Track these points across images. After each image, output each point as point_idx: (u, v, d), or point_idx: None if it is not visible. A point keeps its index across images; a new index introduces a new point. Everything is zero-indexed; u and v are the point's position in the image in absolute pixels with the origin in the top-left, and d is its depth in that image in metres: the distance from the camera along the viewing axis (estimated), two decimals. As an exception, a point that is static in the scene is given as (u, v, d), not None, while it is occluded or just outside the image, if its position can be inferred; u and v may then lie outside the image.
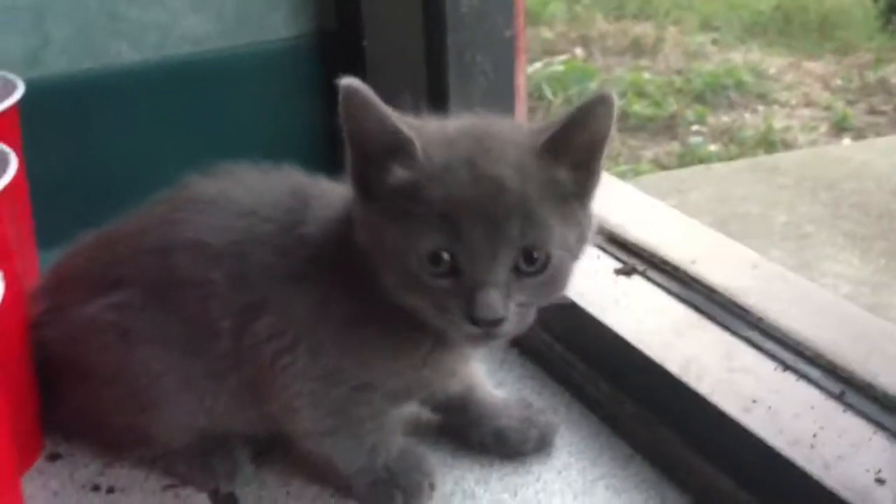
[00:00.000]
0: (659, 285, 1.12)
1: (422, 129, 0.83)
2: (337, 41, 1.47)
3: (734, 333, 1.02)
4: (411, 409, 1.06)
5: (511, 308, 0.79)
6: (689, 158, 2.77)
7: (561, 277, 0.83)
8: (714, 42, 3.94)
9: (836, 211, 1.79)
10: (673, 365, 0.98)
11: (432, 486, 0.98)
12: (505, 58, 1.40)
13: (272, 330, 0.90)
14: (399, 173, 0.80)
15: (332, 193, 0.94)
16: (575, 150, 0.81)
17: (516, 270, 0.79)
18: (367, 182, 0.83)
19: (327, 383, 0.92)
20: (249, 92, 1.46)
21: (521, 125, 0.87)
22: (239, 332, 0.92)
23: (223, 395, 0.96)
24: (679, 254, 1.15)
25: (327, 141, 1.45)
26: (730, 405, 0.92)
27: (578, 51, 3.78)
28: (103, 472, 1.03)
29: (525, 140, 0.83)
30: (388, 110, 0.80)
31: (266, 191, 0.96)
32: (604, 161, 0.83)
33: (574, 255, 0.84)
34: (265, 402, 0.94)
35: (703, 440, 0.95)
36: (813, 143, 2.95)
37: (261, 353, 0.91)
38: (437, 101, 1.39)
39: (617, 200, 1.28)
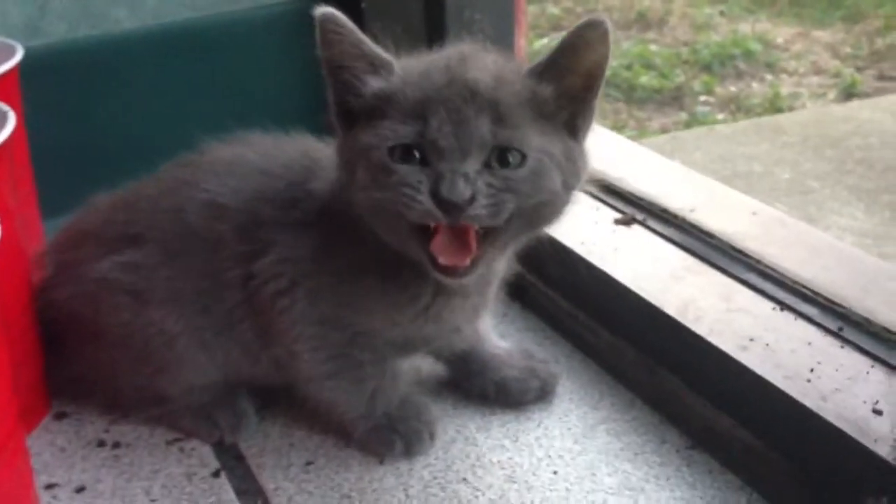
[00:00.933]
0: (658, 233, 1.12)
1: (405, 58, 0.84)
2: (337, 3, 1.46)
3: (732, 276, 1.02)
4: (413, 361, 1.07)
5: (480, 189, 0.77)
6: (695, 127, 2.75)
7: (540, 179, 0.80)
8: (721, 14, 3.91)
9: (840, 167, 1.78)
10: (671, 308, 0.98)
11: (432, 436, 0.98)
12: (505, 18, 1.39)
13: (271, 271, 0.91)
14: (374, 83, 0.81)
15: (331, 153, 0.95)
16: (564, 74, 0.81)
17: (489, 167, 0.78)
18: (346, 112, 0.83)
19: (326, 328, 0.92)
20: (250, 57, 1.45)
21: (515, 57, 0.87)
22: (245, 280, 0.92)
23: (235, 349, 0.97)
24: (678, 203, 1.15)
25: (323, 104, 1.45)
26: (727, 344, 0.92)
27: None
28: (108, 428, 1.04)
29: (513, 63, 0.83)
30: (363, 36, 0.81)
31: (279, 154, 0.98)
32: (599, 94, 0.83)
33: (561, 168, 0.81)
34: (271, 346, 0.95)
35: (702, 381, 0.95)
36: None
37: (261, 294, 0.92)
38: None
39: (617, 154, 1.28)
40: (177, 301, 0.95)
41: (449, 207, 0.76)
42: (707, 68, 3.35)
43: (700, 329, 0.94)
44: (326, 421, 0.99)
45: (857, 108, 2.32)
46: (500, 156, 0.79)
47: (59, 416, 1.06)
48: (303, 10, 1.48)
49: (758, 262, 1.02)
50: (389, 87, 0.81)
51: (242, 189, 0.94)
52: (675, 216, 1.12)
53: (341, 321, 0.92)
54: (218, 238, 0.93)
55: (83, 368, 1.03)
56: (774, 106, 2.97)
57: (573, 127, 0.83)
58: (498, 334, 1.12)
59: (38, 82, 1.22)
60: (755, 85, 3.24)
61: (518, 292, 1.18)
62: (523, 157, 0.79)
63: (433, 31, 1.37)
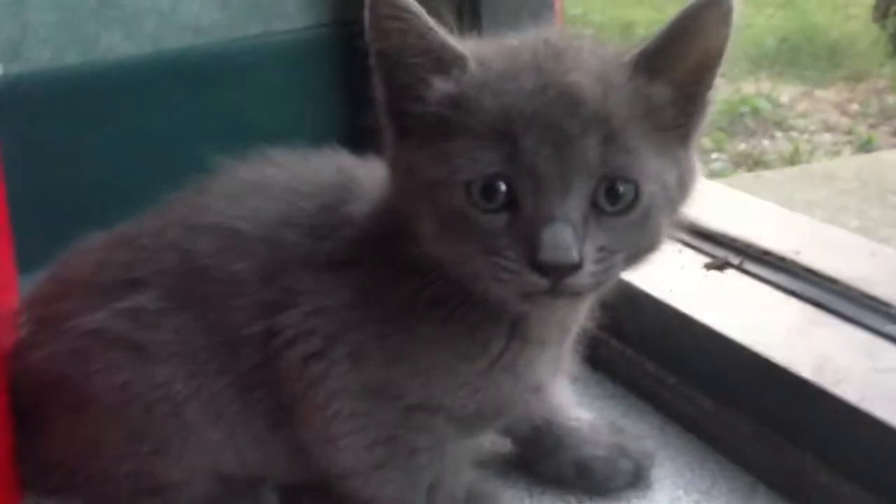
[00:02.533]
0: (761, 279, 0.94)
1: (475, 44, 0.66)
2: (358, 33, 1.30)
3: (870, 329, 0.84)
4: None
5: (588, 252, 0.60)
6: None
7: (653, 224, 0.64)
8: (722, 74, 3.86)
9: (910, 214, 1.64)
10: (804, 368, 0.79)
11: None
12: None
13: (299, 327, 0.72)
14: (442, 86, 0.63)
15: (372, 171, 0.77)
16: (677, 65, 0.64)
17: (595, 208, 0.61)
18: (401, 115, 0.66)
19: (373, 401, 0.73)
20: (259, 89, 1.29)
21: (608, 44, 0.70)
22: (266, 337, 0.73)
23: (254, 426, 0.77)
24: (779, 244, 0.98)
25: (349, 142, 1.29)
26: (887, 412, 0.73)
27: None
28: (93, 528, 0.82)
29: (612, 53, 0.66)
30: (431, 21, 0.63)
31: (309, 170, 0.80)
32: (716, 85, 0.66)
33: (672, 201, 0.65)
34: (298, 429, 0.75)
35: (850, 460, 0.76)
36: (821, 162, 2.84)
37: (286, 358, 0.72)
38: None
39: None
40: (186, 358, 0.76)
41: (550, 270, 0.59)
42: (715, 126, 3.27)
43: (847, 394, 0.76)
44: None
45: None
46: (610, 189, 0.61)
47: (32, 514, 0.84)
48: (316, 37, 1.36)
49: (900, 310, 0.84)
50: (462, 93, 0.63)
51: (264, 211, 0.76)
52: (781, 259, 0.94)
53: (392, 389, 0.72)
54: (232, 279, 0.74)
55: (63, 451, 0.82)
56: (794, 162, 2.86)
57: (686, 134, 0.66)
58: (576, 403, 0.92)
59: (17, 114, 1.09)
60: (766, 142, 3.16)
61: (588, 352, 0.98)
62: (637, 190, 0.62)
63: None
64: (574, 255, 0.59)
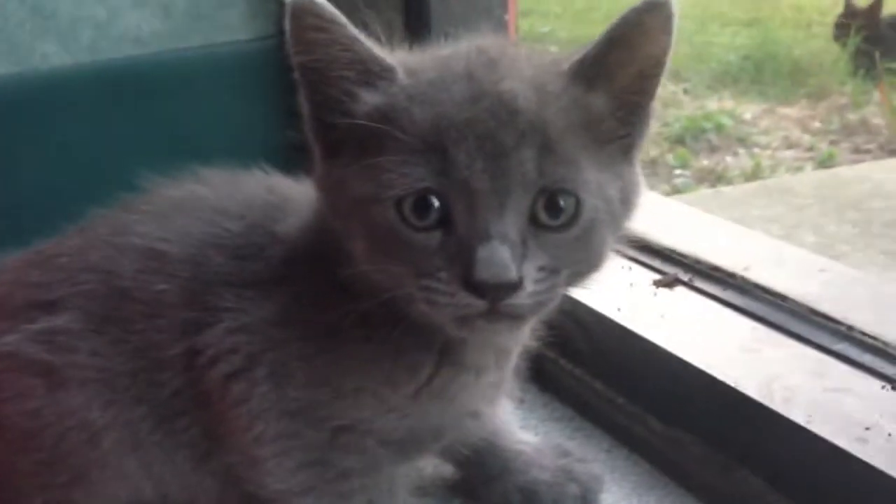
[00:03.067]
0: (711, 296, 0.91)
1: (405, 55, 0.63)
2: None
3: (820, 348, 0.81)
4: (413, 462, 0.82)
5: (528, 271, 0.57)
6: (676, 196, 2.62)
7: (596, 241, 0.61)
8: (686, 91, 3.88)
9: (867, 229, 1.63)
10: (750, 388, 0.77)
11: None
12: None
13: (221, 346, 0.68)
14: (369, 98, 0.60)
15: (304, 192, 0.74)
16: (618, 74, 0.61)
17: (534, 224, 0.58)
18: (328, 131, 0.62)
19: (299, 423, 0.69)
20: (201, 102, 1.25)
21: (545, 51, 0.66)
22: (189, 358, 0.69)
23: (176, 455, 0.73)
24: (728, 260, 0.95)
25: (291, 156, 1.25)
26: (836, 435, 0.70)
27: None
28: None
29: (549, 61, 0.63)
30: (356, 32, 0.60)
31: (239, 190, 0.77)
32: (656, 95, 0.63)
33: (615, 216, 0.62)
34: (224, 452, 0.71)
35: (801, 483, 0.73)
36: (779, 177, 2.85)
37: (209, 378, 0.68)
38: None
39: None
40: (104, 384, 0.71)
41: (487, 291, 0.55)
42: (679, 142, 3.27)
43: (795, 415, 0.73)
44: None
45: (868, 170, 2.19)
46: (549, 203, 0.58)
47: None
48: (260, 50, 1.32)
49: (849, 329, 0.81)
50: (390, 104, 0.60)
51: (189, 232, 0.72)
52: (730, 275, 0.92)
53: (318, 411, 0.69)
54: (156, 301, 0.70)
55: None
56: (756, 178, 2.87)
57: (628, 147, 0.63)
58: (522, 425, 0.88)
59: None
60: (729, 158, 3.17)
61: (535, 372, 0.95)
62: (578, 204, 0.59)
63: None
64: (512, 274, 0.56)
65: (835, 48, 3.93)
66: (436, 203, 0.58)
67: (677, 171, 3.01)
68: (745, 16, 4.65)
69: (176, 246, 0.72)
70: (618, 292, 0.93)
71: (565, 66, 0.61)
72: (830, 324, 0.83)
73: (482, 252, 0.56)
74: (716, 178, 2.92)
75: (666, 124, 3.39)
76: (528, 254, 0.57)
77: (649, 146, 3.19)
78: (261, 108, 1.28)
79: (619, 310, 0.90)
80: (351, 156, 0.61)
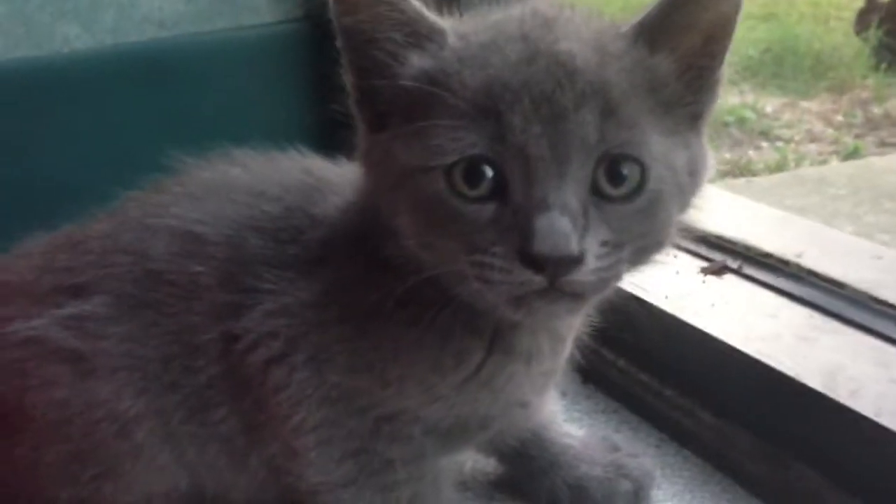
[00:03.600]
0: (763, 284, 0.87)
1: (455, 20, 0.60)
2: (327, 28, 1.24)
3: (883, 337, 0.77)
4: (455, 456, 0.79)
5: (590, 244, 0.53)
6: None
7: (662, 213, 0.57)
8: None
9: (906, 219, 1.59)
10: (812, 379, 0.73)
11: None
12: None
13: (260, 330, 0.65)
14: (418, 62, 0.56)
15: (342, 174, 0.71)
16: (683, 36, 0.57)
17: (595, 192, 0.54)
18: (374, 100, 0.59)
19: (340, 411, 0.65)
20: (226, 86, 1.21)
21: (603, 15, 0.63)
22: (227, 344, 0.66)
23: (211, 446, 0.69)
24: (780, 247, 0.91)
25: (319, 142, 1.22)
26: (907, 427, 0.66)
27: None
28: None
29: (609, 23, 0.59)
30: None
31: (275, 172, 0.73)
32: (726, 60, 0.59)
33: (682, 189, 0.58)
34: (262, 444, 0.68)
35: (865, 478, 0.69)
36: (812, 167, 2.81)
37: (248, 364, 0.65)
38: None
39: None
40: (135, 371, 0.68)
41: (547, 265, 0.51)
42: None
43: (862, 407, 0.69)
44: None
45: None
46: (611, 170, 0.54)
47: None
48: (287, 32, 1.29)
49: (913, 316, 0.77)
50: (440, 68, 0.56)
51: (226, 214, 0.69)
52: (783, 262, 0.88)
53: (360, 399, 0.65)
54: (192, 283, 0.67)
55: (-1, 475, 0.73)
56: (782, 171, 2.83)
57: (695, 114, 0.59)
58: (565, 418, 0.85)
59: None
60: (752, 152, 3.13)
61: (578, 362, 0.91)
62: (643, 171, 0.54)
63: None
64: (573, 246, 0.51)
65: (854, 42, 3.87)
66: (489, 171, 0.54)
67: (700, 165, 2.98)
68: (760, 10, 4.59)
69: (212, 228, 0.69)
70: (664, 280, 0.89)
71: (626, 28, 0.58)
72: (891, 311, 0.79)
73: (540, 223, 0.52)
74: (740, 173, 2.88)
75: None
76: (590, 226, 0.53)
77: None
78: (287, 92, 1.24)
79: (666, 297, 0.86)
80: (398, 125, 0.57)
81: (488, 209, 0.54)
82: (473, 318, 0.61)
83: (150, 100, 1.17)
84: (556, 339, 0.66)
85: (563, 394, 0.91)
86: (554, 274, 0.52)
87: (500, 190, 0.54)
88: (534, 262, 0.52)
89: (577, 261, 0.52)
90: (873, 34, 3.77)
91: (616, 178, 0.54)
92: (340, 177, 0.69)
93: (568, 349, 0.69)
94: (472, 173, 0.54)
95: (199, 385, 0.68)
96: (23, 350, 0.70)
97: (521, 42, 0.56)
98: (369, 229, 0.62)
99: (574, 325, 0.68)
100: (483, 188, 0.54)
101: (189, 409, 0.68)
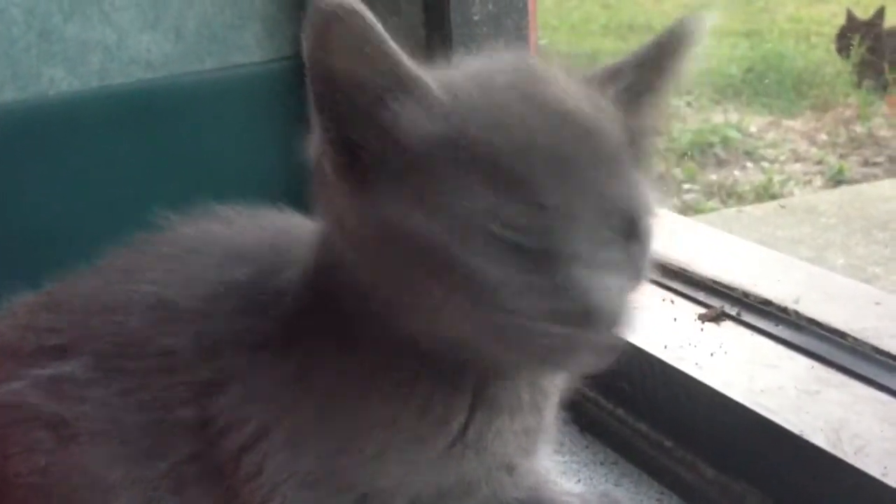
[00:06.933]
0: (763, 332, 0.86)
1: (433, 71, 0.57)
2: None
3: (889, 391, 0.76)
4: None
5: (625, 295, 0.53)
6: (689, 214, 2.58)
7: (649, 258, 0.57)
8: (689, 104, 3.85)
9: (898, 250, 1.60)
10: (816, 436, 0.72)
11: None
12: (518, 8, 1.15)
13: (231, 416, 0.62)
14: (415, 116, 0.53)
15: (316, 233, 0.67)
16: (651, 90, 0.58)
17: (620, 247, 0.54)
18: (352, 155, 0.54)
19: (321, 493, 0.63)
20: (215, 127, 1.20)
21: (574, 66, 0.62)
22: (201, 424, 0.63)
23: None
24: (776, 292, 0.90)
25: (306, 183, 1.20)
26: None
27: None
28: None
29: (587, 76, 0.59)
30: (389, 38, 0.53)
31: (251, 232, 0.70)
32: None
33: None
34: None
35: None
36: (802, 196, 2.82)
37: (223, 451, 0.63)
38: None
39: (678, 235, 1.04)
40: (115, 437, 0.65)
41: (595, 321, 0.50)
42: (686, 156, 3.24)
43: (869, 467, 0.68)
44: None
45: (890, 187, 2.15)
46: (634, 222, 0.53)
47: None
48: (277, 71, 1.28)
49: (918, 369, 0.77)
50: (441, 123, 0.53)
51: (198, 280, 0.66)
52: (782, 310, 0.87)
53: (340, 479, 0.62)
54: (165, 355, 0.65)
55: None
56: (768, 192, 2.83)
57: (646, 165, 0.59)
58: (560, 471, 0.83)
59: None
60: (737, 173, 3.13)
61: (574, 412, 0.90)
62: (649, 223, 0.55)
63: (433, 26, 1.12)
64: (623, 297, 0.51)
65: (835, 59, 3.90)
66: (524, 235, 0.51)
67: (686, 186, 2.97)
68: (741, 27, 4.63)
69: (186, 296, 0.66)
70: (661, 327, 0.88)
71: (602, 82, 0.58)
72: (894, 363, 0.78)
73: (588, 278, 0.50)
74: (726, 194, 2.88)
75: (672, 138, 3.37)
76: (628, 275, 0.53)
77: (658, 161, 3.18)
78: (278, 132, 1.22)
79: (665, 347, 0.85)
80: (393, 185, 0.54)
81: (529, 271, 0.51)
82: (455, 375, 0.59)
83: (139, 142, 1.16)
84: (536, 392, 0.64)
85: (561, 444, 0.90)
86: (603, 329, 0.51)
87: (538, 250, 0.51)
88: (589, 319, 0.50)
89: (624, 311, 0.51)
90: (855, 52, 3.80)
91: (635, 232, 0.53)
92: (309, 236, 0.64)
93: (552, 405, 0.67)
94: (506, 237, 0.51)
95: (177, 460, 0.65)
96: (3, 414, 0.68)
97: (524, 100, 0.54)
98: (336, 297, 0.59)
99: (559, 378, 0.66)
100: (520, 251, 0.51)
101: (169, 482, 0.65)
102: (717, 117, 3.63)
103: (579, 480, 0.85)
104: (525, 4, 1.17)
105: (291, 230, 0.69)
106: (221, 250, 0.69)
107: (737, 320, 0.89)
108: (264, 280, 0.64)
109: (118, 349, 0.66)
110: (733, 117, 3.64)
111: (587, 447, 0.91)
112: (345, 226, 0.57)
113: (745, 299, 0.90)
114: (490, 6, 1.14)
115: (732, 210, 2.09)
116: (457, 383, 0.60)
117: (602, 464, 0.88)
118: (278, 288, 0.63)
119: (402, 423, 0.60)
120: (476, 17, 1.14)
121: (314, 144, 0.56)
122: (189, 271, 0.68)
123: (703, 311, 0.91)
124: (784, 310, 0.87)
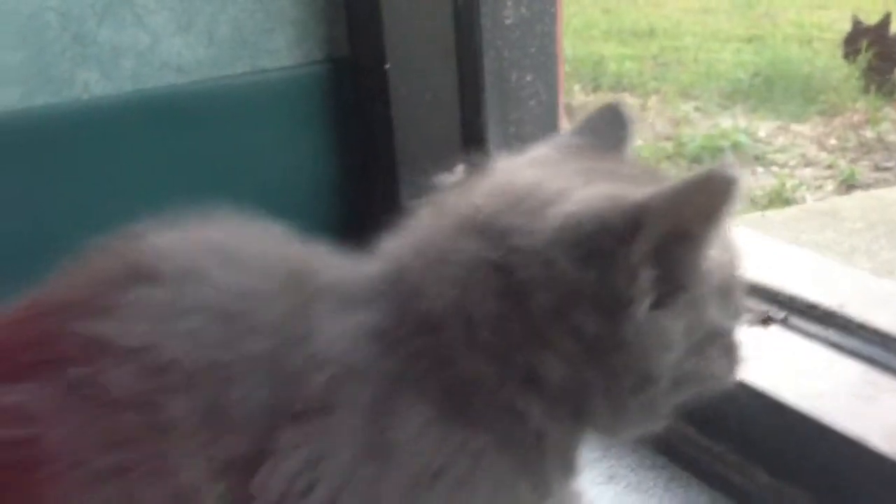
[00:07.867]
0: (812, 336, 0.86)
1: None
2: (350, 70, 1.22)
3: (943, 393, 0.76)
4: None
5: None
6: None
7: None
8: (697, 109, 3.86)
9: (927, 254, 1.59)
10: (876, 438, 0.71)
11: None
12: (550, 76, 1.18)
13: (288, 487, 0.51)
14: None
15: (348, 276, 0.59)
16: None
17: None
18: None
19: None
20: (246, 130, 1.19)
21: None
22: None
23: None
24: (821, 296, 0.90)
25: (337, 188, 1.20)
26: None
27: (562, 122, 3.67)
28: None
29: None
30: None
31: (255, 273, 0.58)
32: None
33: None
34: None
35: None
36: (823, 200, 2.82)
37: None
38: (474, 135, 1.16)
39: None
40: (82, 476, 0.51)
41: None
42: (696, 161, 3.24)
43: (933, 470, 0.67)
44: None
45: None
46: None
47: None
48: (308, 76, 1.28)
49: (973, 372, 0.76)
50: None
51: (203, 333, 0.55)
52: (829, 313, 0.87)
53: None
54: (168, 419, 0.51)
55: None
56: (781, 197, 2.83)
57: None
58: (606, 476, 0.82)
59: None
60: (749, 177, 3.13)
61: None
62: None
63: (468, 96, 1.14)
64: None
65: (842, 64, 3.91)
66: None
67: (696, 191, 2.98)
68: (745, 32, 4.64)
69: (186, 354, 0.53)
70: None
71: None
72: (950, 367, 0.78)
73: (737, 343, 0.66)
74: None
75: (681, 143, 3.37)
76: None
77: (668, 166, 3.16)
78: (308, 136, 1.23)
79: (713, 352, 0.85)
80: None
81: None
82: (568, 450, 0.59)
83: (170, 146, 1.15)
84: None
85: (608, 448, 0.89)
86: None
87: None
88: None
89: None
90: (862, 58, 3.81)
91: None
92: (333, 287, 0.57)
93: None
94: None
95: None
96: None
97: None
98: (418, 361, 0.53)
99: None
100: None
101: None
102: (726, 122, 3.63)
103: (627, 485, 0.85)
104: (555, 10, 1.18)
105: (308, 277, 0.58)
106: (214, 296, 0.56)
107: (785, 325, 0.88)
108: (288, 351, 0.54)
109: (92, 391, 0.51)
110: (742, 122, 3.64)
111: (634, 451, 0.90)
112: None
113: (792, 303, 0.90)
114: (523, 10, 1.14)
115: (756, 214, 2.09)
116: (570, 456, 0.60)
117: (651, 468, 0.88)
118: (310, 360, 0.53)
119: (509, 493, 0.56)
120: (508, 21, 1.14)
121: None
122: (186, 322, 0.54)
123: (749, 315, 0.90)
124: (831, 314, 0.87)
